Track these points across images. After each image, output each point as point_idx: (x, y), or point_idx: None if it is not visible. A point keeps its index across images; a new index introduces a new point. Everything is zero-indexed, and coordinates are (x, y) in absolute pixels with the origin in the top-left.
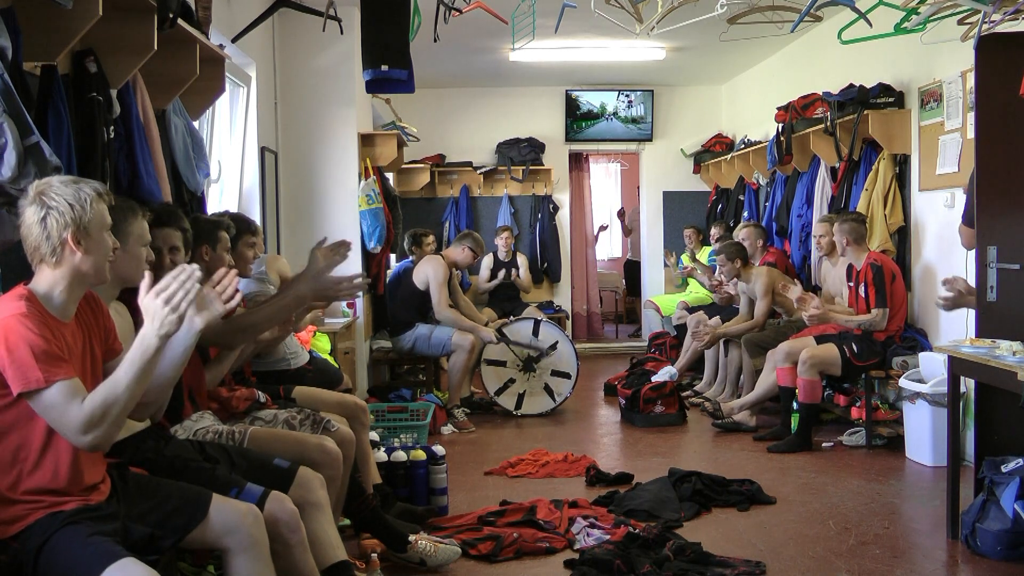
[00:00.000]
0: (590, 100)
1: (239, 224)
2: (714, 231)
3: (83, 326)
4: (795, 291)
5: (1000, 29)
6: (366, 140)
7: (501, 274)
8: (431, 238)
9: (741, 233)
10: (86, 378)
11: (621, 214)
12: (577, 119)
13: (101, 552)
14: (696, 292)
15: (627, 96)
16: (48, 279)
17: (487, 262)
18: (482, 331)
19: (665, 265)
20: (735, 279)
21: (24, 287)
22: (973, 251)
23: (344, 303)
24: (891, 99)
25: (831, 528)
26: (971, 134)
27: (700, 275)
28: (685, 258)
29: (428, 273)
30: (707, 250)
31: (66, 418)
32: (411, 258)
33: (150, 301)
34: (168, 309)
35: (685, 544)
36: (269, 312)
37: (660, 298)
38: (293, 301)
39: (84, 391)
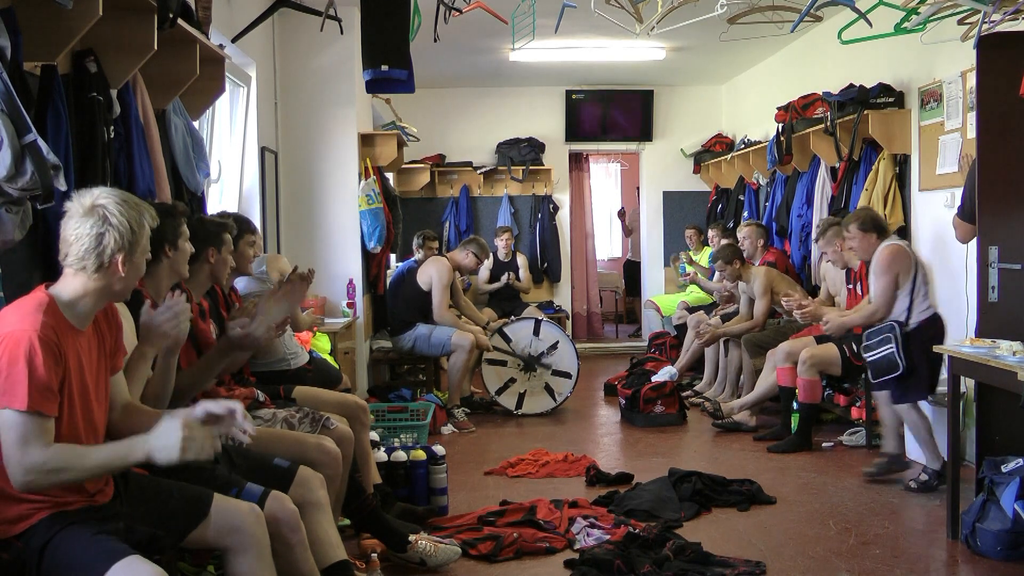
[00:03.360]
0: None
1: (239, 223)
2: (712, 233)
3: (98, 334)
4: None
5: (1000, 29)
6: (366, 140)
7: (503, 278)
8: (436, 243)
9: (743, 232)
10: (99, 387)
11: (621, 214)
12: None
13: (106, 550)
14: (696, 292)
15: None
16: (78, 287)
17: (487, 263)
18: (481, 339)
19: (667, 265)
20: (736, 280)
21: (45, 292)
22: (973, 249)
23: (344, 303)
24: (891, 99)
25: (831, 528)
26: (971, 134)
27: (702, 280)
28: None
29: (432, 274)
30: (708, 251)
31: (21, 450)
32: (415, 258)
33: (185, 431)
34: (184, 449)
35: (685, 544)
36: (199, 371)
37: (660, 298)
38: (219, 354)
39: (51, 435)
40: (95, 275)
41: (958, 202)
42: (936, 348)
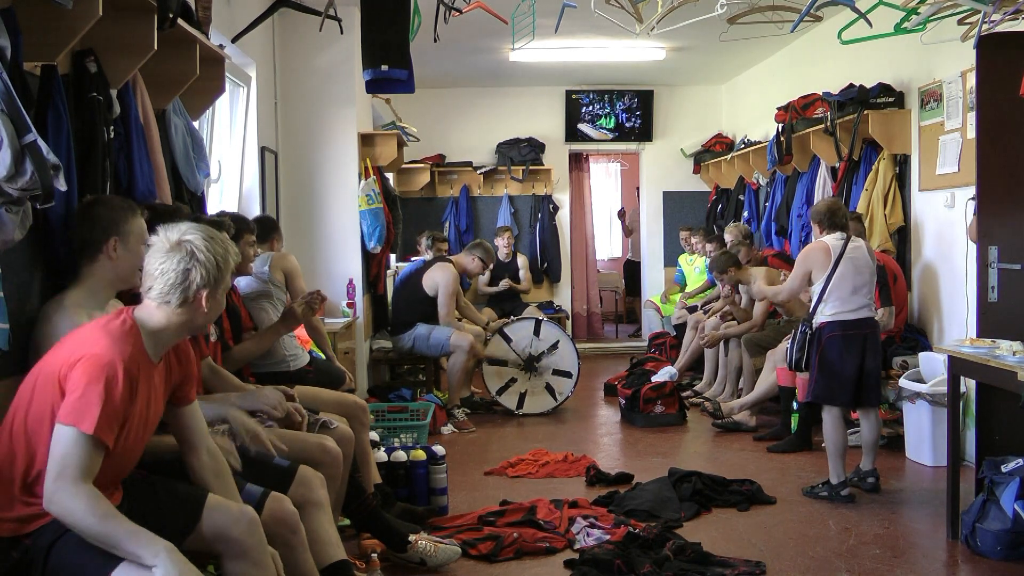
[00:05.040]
0: (592, 105)
1: (238, 224)
2: (695, 240)
3: (167, 367)
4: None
5: (1000, 29)
6: (366, 140)
7: (502, 283)
8: (446, 244)
9: (729, 235)
10: (150, 420)
11: (622, 214)
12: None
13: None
14: (695, 285)
15: (629, 101)
16: (162, 319)
17: None
18: (477, 347)
19: (667, 265)
20: (736, 284)
21: (132, 318)
22: (973, 249)
23: (344, 303)
24: (891, 99)
25: (831, 528)
26: (971, 134)
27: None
28: (682, 260)
29: (438, 281)
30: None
31: (60, 465)
32: (423, 258)
33: None
34: None
35: (685, 544)
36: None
37: (660, 298)
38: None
39: (97, 469)
40: (178, 309)
41: (958, 202)
42: (937, 347)
